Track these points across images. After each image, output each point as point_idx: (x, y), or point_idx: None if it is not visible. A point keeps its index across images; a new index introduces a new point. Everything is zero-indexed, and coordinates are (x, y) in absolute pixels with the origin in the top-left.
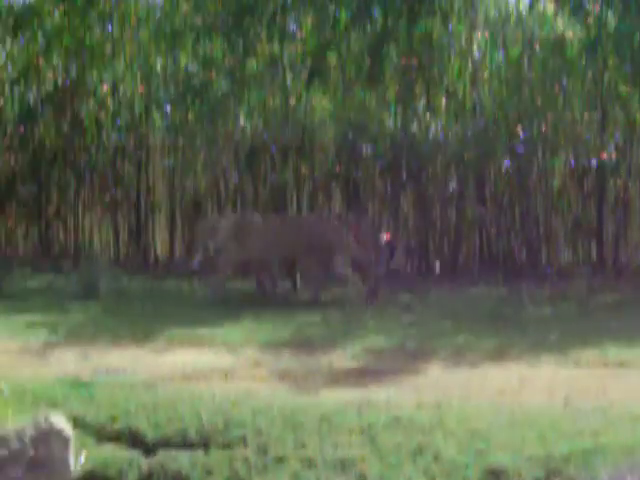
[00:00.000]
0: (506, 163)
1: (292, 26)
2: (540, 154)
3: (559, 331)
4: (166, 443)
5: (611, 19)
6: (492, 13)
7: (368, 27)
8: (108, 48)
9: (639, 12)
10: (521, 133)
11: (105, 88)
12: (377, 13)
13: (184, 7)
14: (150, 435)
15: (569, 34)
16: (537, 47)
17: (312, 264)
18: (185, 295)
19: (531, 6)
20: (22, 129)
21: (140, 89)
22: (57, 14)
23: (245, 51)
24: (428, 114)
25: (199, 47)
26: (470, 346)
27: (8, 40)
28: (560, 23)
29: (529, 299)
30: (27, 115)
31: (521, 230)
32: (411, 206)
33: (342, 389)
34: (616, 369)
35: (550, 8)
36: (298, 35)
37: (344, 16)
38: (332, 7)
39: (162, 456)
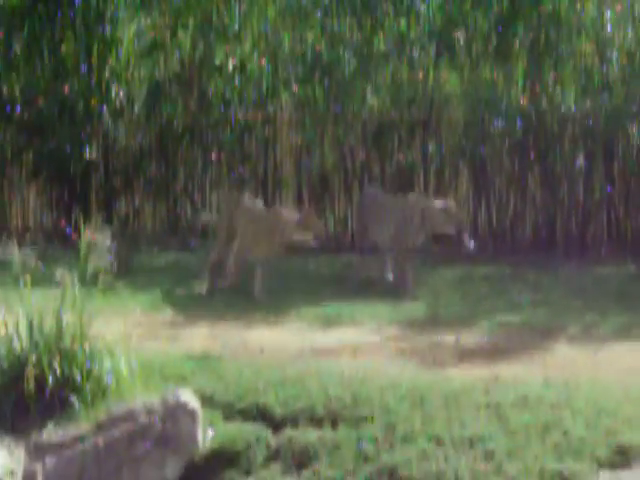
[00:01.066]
0: (635, 140)
1: (419, 3)
2: None
3: None
4: (294, 419)
5: None
6: None
7: (495, 3)
8: (235, 25)
9: None
10: None
11: (232, 65)
12: None
13: None
14: (278, 411)
15: None
16: None
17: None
18: (314, 273)
19: None
20: (149, 107)
21: (265, 65)
22: None
23: (372, 28)
24: (556, 90)
25: (326, 24)
26: (598, 324)
27: (135, 18)
28: None
29: None
30: (154, 93)
31: None
32: (538, 184)
33: (470, 366)
34: None
35: None
36: (425, 12)
37: None
38: None
39: (290, 432)
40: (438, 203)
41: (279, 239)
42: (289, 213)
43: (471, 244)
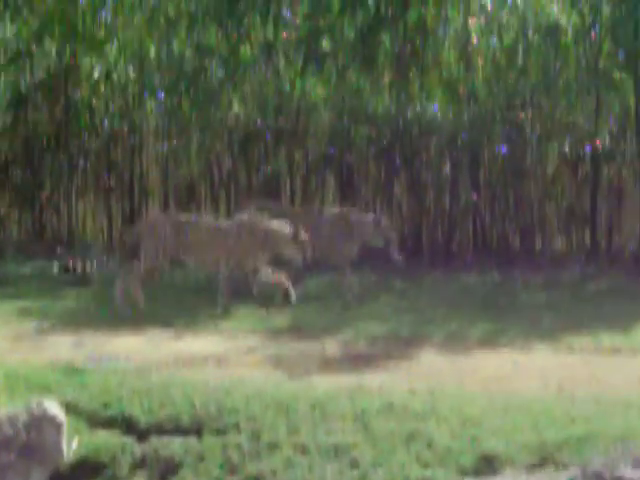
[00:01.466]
0: (500, 149)
1: (286, 12)
2: (534, 141)
3: (552, 318)
4: (159, 429)
5: (605, 6)
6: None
7: (361, 13)
8: (101, 34)
9: None
10: (514, 119)
11: (98, 74)
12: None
13: None
14: (143, 421)
15: (563, 21)
16: (531, 34)
17: None
18: (179, 281)
19: None
20: (14, 115)
21: (131, 74)
22: None
23: (239, 38)
24: (422, 99)
25: (193, 33)
26: (463, 332)
27: (1, 26)
28: (555, 10)
29: (522, 286)
30: (19, 101)
31: (515, 217)
32: (405, 191)
33: (335, 375)
34: (609, 356)
35: None
36: (292, 21)
37: (337, 2)
38: None
39: (155, 442)
40: (369, 216)
41: (272, 252)
42: (282, 227)
43: (397, 256)
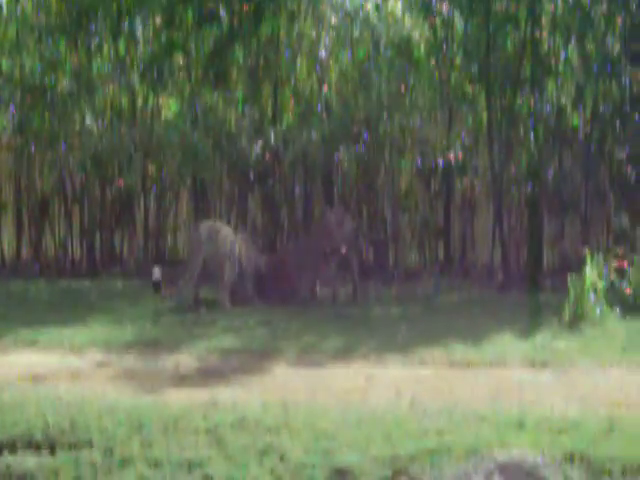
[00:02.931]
0: (353, 164)
1: (139, 27)
2: (387, 155)
3: (406, 331)
4: (12, 446)
5: (458, 20)
6: (339, 13)
7: (214, 28)
8: None
9: (485, 13)
10: (365, 134)
11: None
12: (223, 13)
13: (28, 7)
14: None
15: (416, 35)
16: (384, 48)
17: None
18: (31, 297)
19: (378, 7)
20: None
21: None
22: None
23: (90, 52)
24: (275, 115)
25: (43, 47)
26: (316, 346)
27: None
28: (408, 24)
29: (376, 299)
30: None
31: (368, 231)
32: (259, 207)
33: (188, 390)
34: (462, 369)
35: (398, 8)
36: (145, 36)
37: (190, 17)
38: (179, 7)
39: (8, 459)
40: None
41: None
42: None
43: None
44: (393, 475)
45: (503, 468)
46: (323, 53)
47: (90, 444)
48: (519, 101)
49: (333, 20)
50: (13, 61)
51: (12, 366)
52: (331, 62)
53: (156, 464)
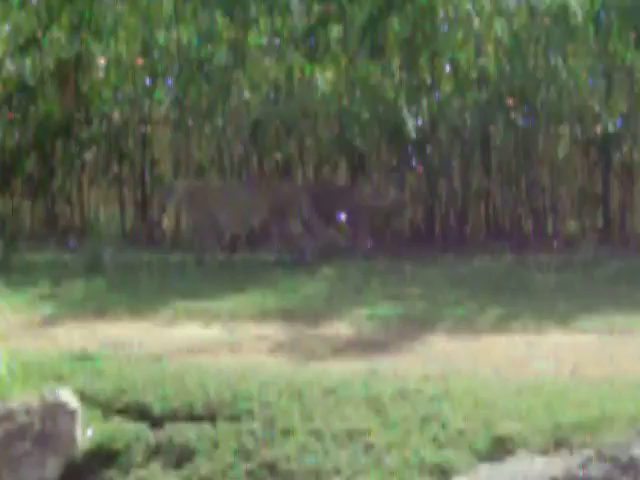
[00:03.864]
0: (511, 134)
1: None
2: (545, 124)
3: (565, 300)
4: (173, 416)
5: None
6: None
7: None
8: (109, 21)
9: None
10: (522, 104)
11: (105, 62)
12: None
13: None
14: (157, 408)
15: (573, 2)
16: (540, 16)
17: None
18: (190, 268)
19: None
20: (24, 104)
21: (139, 62)
22: None
23: (246, 24)
24: (433, 85)
25: (199, 20)
26: (476, 315)
27: (11, 14)
28: None
29: (535, 268)
30: (29, 90)
31: (527, 200)
32: (417, 177)
33: (348, 360)
34: (622, 336)
35: None
36: (300, 8)
37: None
38: None
39: (169, 429)
40: None
41: None
42: None
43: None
44: (554, 444)
45: None
46: (478, 22)
47: (251, 415)
48: None
49: None
50: (169, 34)
51: (173, 338)
52: (487, 32)
53: (317, 434)
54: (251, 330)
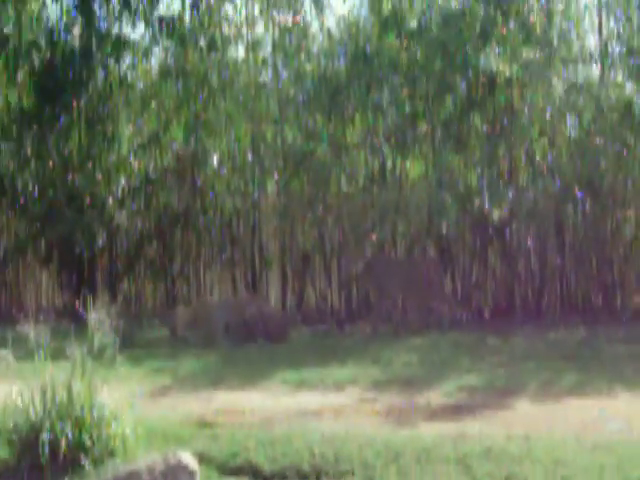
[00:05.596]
0: (582, 217)
1: (387, 97)
2: (612, 208)
3: (633, 368)
4: (282, 475)
5: None
6: (565, 84)
7: (454, 96)
8: (221, 122)
9: None
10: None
11: (218, 157)
12: (462, 84)
13: (286, 84)
14: (267, 468)
15: (637, 99)
16: (607, 112)
17: None
18: (295, 341)
19: (601, 76)
20: (147, 195)
21: (250, 157)
22: (176, 92)
23: (343, 122)
24: (509, 174)
25: (302, 120)
26: (553, 383)
27: (134, 116)
28: (629, 90)
29: (606, 340)
30: (151, 183)
31: (597, 277)
32: (498, 257)
33: (439, 423)
34: None
35: (619, 76)
36: (391, 105)
37: (432, 88)
38: (423, 79)
39: None
40: None
41: None
42: None
43: None
44: None
45: None
46: (548, 117)
47: (352, 473)
48: None
49: (560, 89)
50: (276, 132)
51: (281, 405)
52: (559, 126)
53: None
54: (352, 396)
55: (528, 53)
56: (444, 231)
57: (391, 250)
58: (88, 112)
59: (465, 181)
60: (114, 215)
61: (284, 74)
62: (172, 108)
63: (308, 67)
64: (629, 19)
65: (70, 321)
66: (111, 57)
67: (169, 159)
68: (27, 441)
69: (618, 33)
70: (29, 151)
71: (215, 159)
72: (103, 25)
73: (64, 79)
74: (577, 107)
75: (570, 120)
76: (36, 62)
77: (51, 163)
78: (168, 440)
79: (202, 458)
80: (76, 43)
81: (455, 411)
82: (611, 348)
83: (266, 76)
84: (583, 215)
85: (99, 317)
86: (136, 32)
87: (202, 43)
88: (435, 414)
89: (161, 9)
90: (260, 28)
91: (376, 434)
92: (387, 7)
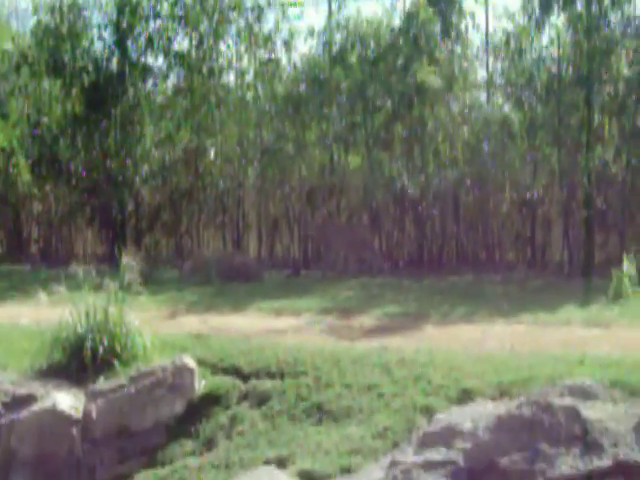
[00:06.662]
0: (472, 196)
1: (334, 111)
2: (493, 191)
3: (507, 303)
4: (256, 374)
5: (539, 107)
6: (465, 105)
7: (383, 112)
8: (217, 126)
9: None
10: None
11: (214, 151)
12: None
13: (264, 99)
14: (246, 369)
15: (512, 116)
16: (490, 124)
17: None
18: (267, 281)
19: (487, 99)
20: (164, 178)
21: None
22: (184, 105)
23: (303, 126)
24: (421, 166)
25: (274, 125)
26: (450, 312)
27: (154, 122)
28: (507, 108)
29: (488, 283)
30: (166, 169)
31: (482, 239)
32: (412, 224)
33: (368, 339)
34: (543, 327)
35: (500, 99)
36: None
37: (367, 105)
38: (360, 98)
39: (254, 382)
40: None
41: None
42: None
43: None
44: (500, 394)
45: (570, 389)
46: (450, 127)
47: (306, 373)
48: None
49: (459, 107)
50: (255, 133)
51: (256, 325)
52: (457, 134)
53: (347, 386)
54: (307, 319)
55: (436, 81)
56: (374, 205)
57: (336, 218)
58: (122, 118)
59: (390, 170)
60: (139, 190)
61: (262, 94)
62: (182, 116)
63: (279, 89)
64: (509, 59)
65: (107, 264)
66: (139, 79)
67: (179, 152)
68: (75, 348)
69: (500, 69)
70: (79, 144)
71: (212, 152)
72: (134, 56)
73: (105, 94)
74: (470, 120)
75: (465, 129)
76: (85, 82)
77: (95, 153)
78: (175, 348)
79: (199, 361)
80: (114, 69)
81: (380, 331)
82: (491, 289)
83: (249, 95)
84: (473, 195)
85: (128, 262)
86: (157, 62)
87: (204, 70)
88: (366, 333)
89: (175, 46)
90: (245, 61)
91: (323, 346)
92: (335, 49)
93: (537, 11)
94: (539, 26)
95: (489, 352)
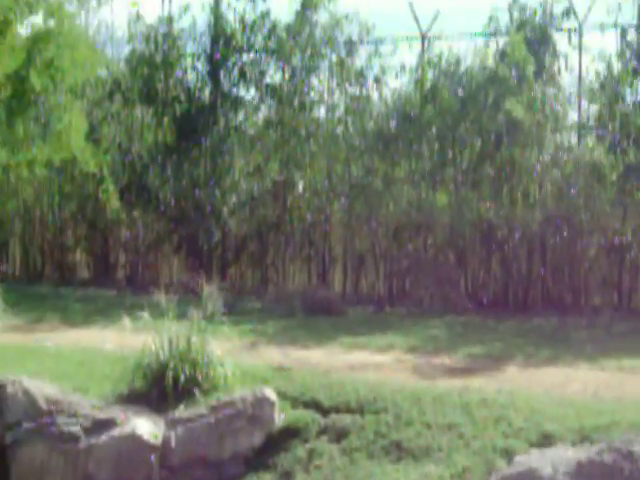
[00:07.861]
0: (559, 240)
1: (424, 148)
2: (580, 234)
3: (591, 347)
4: (336, 409)
5: (632, 152)
6: (556, 146)
7: (471, 151)
8: (306, 159)
9: None
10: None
11: (303, 184)
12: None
13: (354, 134)
14: (326, 404)
15: (603, 159)
16: (581, 167)
17: None
18: (351, 316)
19: (578, 142)
20: (251, 209)
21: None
22: (274, 138)
23: (392, 162)
24: (509, 206)
25: (363, 161)
26: (533, 355)
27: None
28: (597, 152)
29: (572, 327)
30: (254, 200)
31: (569, 282)
32: (498, 264)
33: (450, 379)
34: (628, 373)
35: (591, 142)
36: (426, 154)
37: (457, 144)
38: (450, 137)
39: (333, 417)
40: None
41: None
42: None
43: None
44: (580, 439)
45: None
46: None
47: (385, 410)
48: None
49: (550, 149)
50: (344, 168)
51: (338, 360)
52: (547, 175)
53: (427, 425)
54: (390, 356)
55: (527, 117)
56: (460, 244)
57: (422, 255)
58: (212, 148)
59: (477, 210)
60: (227, 221)
61: (352, 129)
62: (271, 148)
63: (369, 124)
64: (603, 103)
65: (191, 294)
66: (230, 110)
67: (268, 184)
68: (157, 375)
69: (593, 112)
70: (169, 173)
71: (300, 186)
72: (226, 87)
73: (196, 124)
74: (560, 162)
75: (555, 171)
76: (177, 111)
77: (184, 182)
78: (256, 380)
79: (279, 394)
80: (206, 100)
81: (462, 371)
82: (576, 333)
83: (339, 129)
84: (560, 238)
85: (211, 291)
86: (249, 93)
87: (295, 104)
88: (448, 372)
89: (267, 78)
90: (336, 96)
91: (405, 384)
92: (426, 86)
93: (634, 61)
94: (637, 73)
95: (571, 396)
